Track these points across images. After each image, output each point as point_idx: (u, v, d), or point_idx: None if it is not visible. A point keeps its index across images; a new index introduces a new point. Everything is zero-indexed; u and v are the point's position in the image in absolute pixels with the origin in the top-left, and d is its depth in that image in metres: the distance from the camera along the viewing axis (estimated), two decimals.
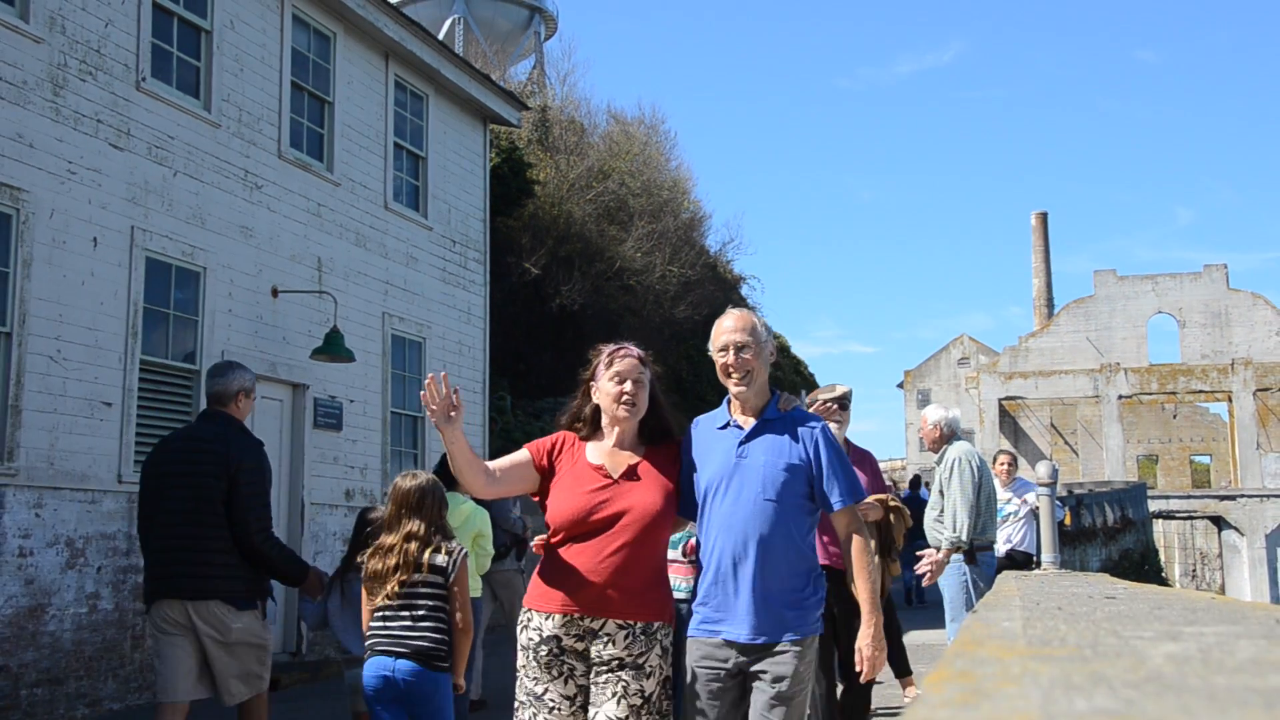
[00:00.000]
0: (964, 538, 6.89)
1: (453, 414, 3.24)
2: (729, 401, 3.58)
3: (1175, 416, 56.96)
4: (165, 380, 9.24)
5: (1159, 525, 44.35)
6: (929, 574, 7.03)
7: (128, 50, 9.04)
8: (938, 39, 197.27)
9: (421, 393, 3.27)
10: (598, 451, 3.47)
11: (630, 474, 3.40)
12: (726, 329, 3.53)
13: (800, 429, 3.48)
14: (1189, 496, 45.73)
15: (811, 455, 3.44)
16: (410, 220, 12.79)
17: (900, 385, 62.88)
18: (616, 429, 3.46)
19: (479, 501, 6.18)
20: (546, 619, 3.35)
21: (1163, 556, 42.64)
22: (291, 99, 10.98)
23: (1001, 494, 9.59)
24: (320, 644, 10.76)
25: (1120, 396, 47.92)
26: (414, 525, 4.29)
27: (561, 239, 20.24)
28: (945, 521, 6.97)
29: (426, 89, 13.15)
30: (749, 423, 3.50)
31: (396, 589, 4.21)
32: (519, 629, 3.47)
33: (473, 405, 13.72)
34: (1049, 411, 55.91)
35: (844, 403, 5.76)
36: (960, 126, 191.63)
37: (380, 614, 4.25)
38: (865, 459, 5.79)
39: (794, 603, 3.35)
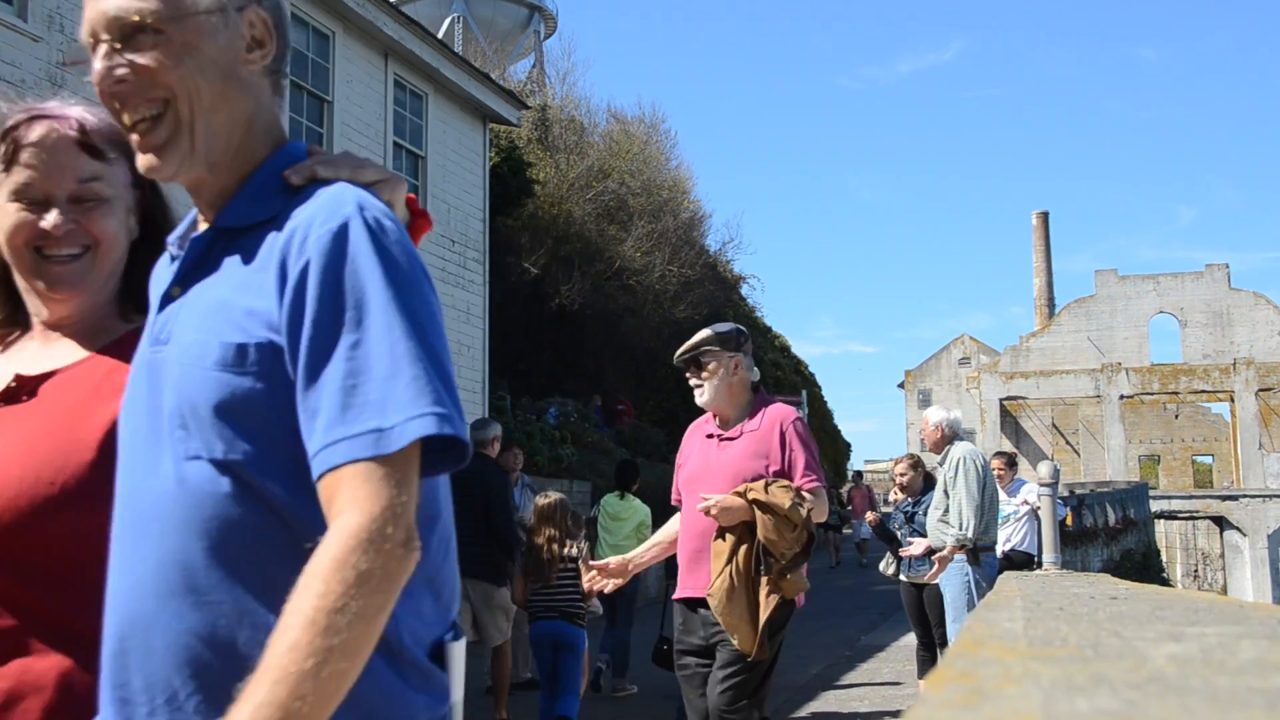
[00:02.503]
0: (970, 536, 6.89)
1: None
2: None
3: (1177, 416, 57.01)
4: None
5: (1161, 525, 44.36)
6: (933, 571, 7.07)
7: None
8: (938, 38, 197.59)
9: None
10: None
11: None
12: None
13: None
14: (1191, 497, 45.76)
15: None
16: None
17: (901, 385, 62.96)
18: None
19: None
20: None
21: (1165, 557, 42.66)
22: (290, 98, 10.97)
23: (1000, 496, 9.59)
24: None
25: (1122, 396, 47.95)
26: (551, 531, 6.21)
27: (561, 239, 20.25)
28: (952, 520, 6.97)
29: (426, 88, 13.14)
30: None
31: (553, 574, 6.17)
32: None
33: (473, 405, 13.71)
34: (1050, 411, 55.97)
35: (727, 343, 4.13)
36: (961, 126, 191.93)
37: (539, 590, 6.23)
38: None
39: None
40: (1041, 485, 7.61)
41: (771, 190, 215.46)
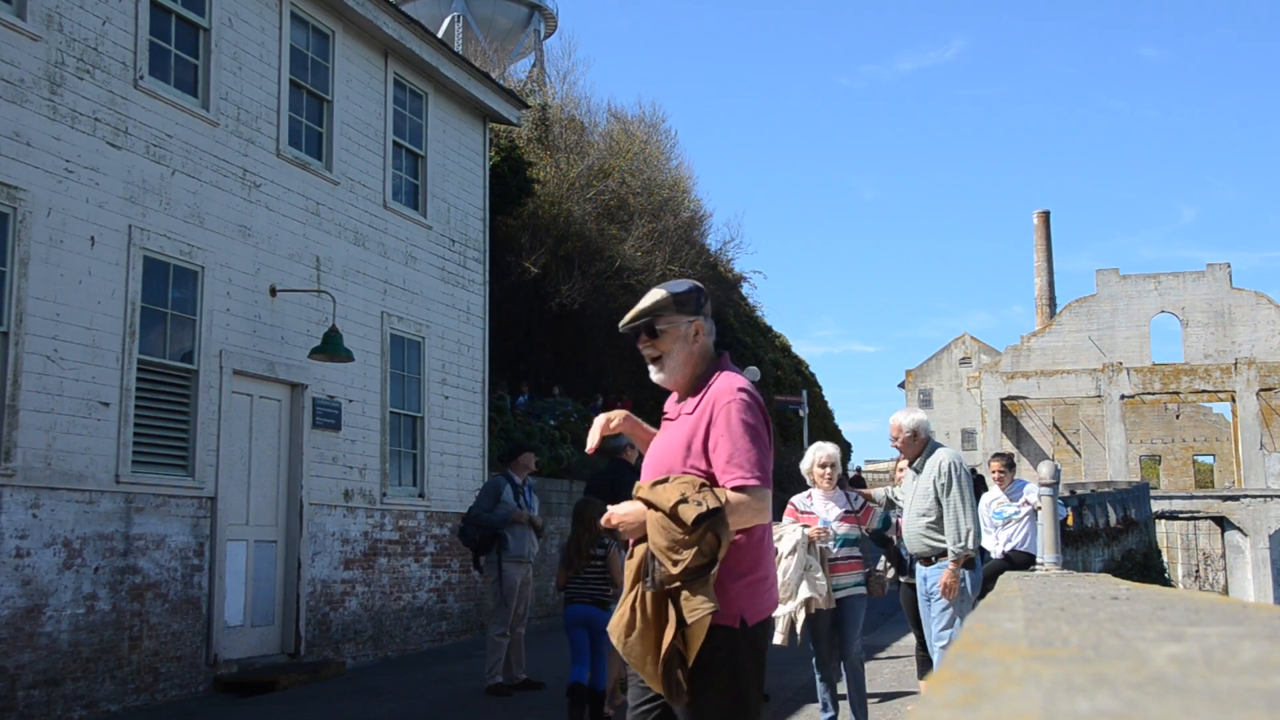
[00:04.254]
0: (972, 547, 6.50)
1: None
2: None
3: (1178, 416, 56.97)
4: (163, 380, 9.22)
5: (1162, 526, 44.36)
6: (944, 590, 6.52)
7: (125, 48, 9.03)
8: (940, 36, 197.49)
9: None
10: None
11: None
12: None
13: None
14: (1192, 497, 45.74)
15: None
16: (409, 219, 12.78)
17: (901, 385, 62.92)
18: None
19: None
20: None
21: (1166, 557, 42.63)
22: (290, 97, 10.96)
23: (999, 498, 9.58)
24: (319, 645, 10.74)
25: (1123, 396, 47.92)
26: (580, 529, 7.41)
27: (561, 238, 20.24)
28: (949, 532, 6.50)
29: (426, 87, 13.13)
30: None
31: (582, 564, 7.38)
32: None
33: (472, 405, 13.71)
34: (1051, 411, 55.93)
35: (685, 306, 3.39)
36: (962, 124, 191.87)
37: (573, 579, 7.41)
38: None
39: None
40: (1042, 485, 7.60)
41: (772, 190, 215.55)
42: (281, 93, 10.80)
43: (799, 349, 53.95)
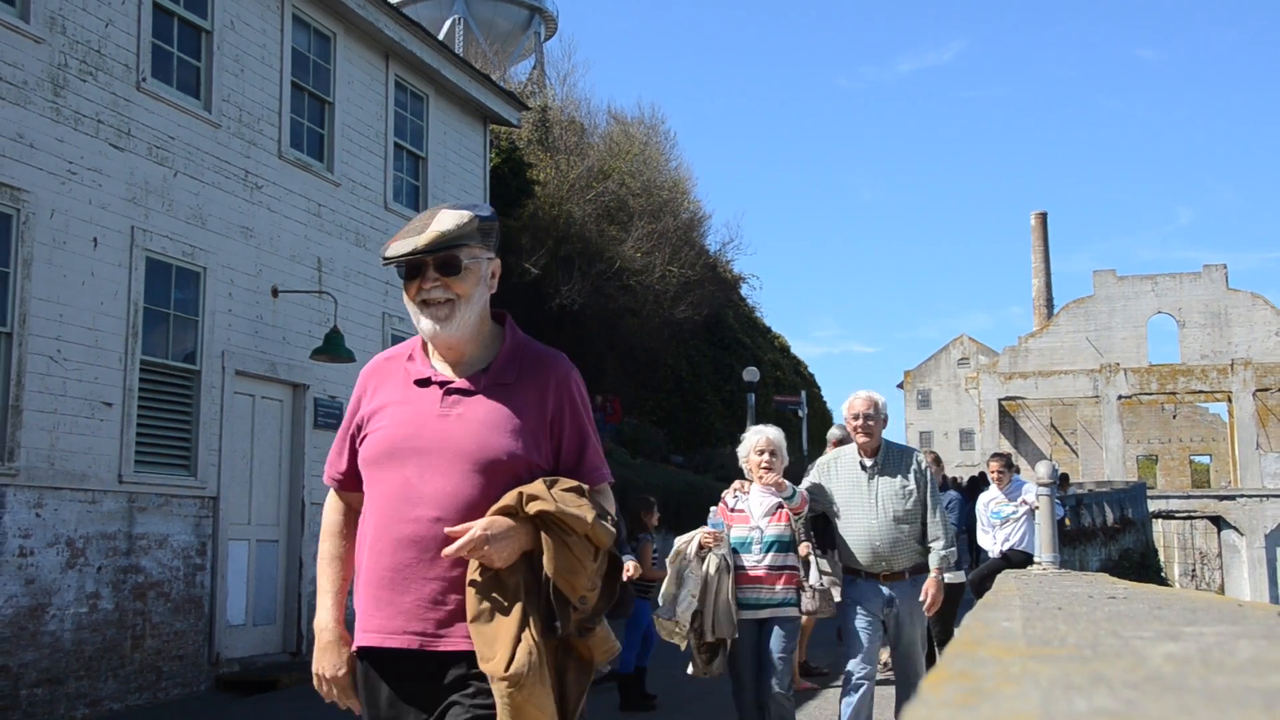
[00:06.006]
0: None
1: None
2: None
3: (1175, 417, 56.98)
4: (165, 380, 9.24)
5: (1159, 525, 44.37)
6: (930, 601, 5.62)
7: (128, 50, 9.05)
8: (939, 38, 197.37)
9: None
10: None
11: None
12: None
13: None
14: (1188, 496, 45.75)
15: None
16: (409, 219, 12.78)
17: (900, 385, 62.89)
18: None
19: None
20: None
21: (1162, 556, 42.65)
22: (292, 99, 10.98)
23: (997, 497, 9.61)
24: None
25: (1120, 396, 47.93)
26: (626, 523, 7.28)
27: (561, 239, 20.24)
28: (939, 538, 5.56)
29: (426, 89, 13.15)
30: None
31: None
32: None
33: None
34: (1049, 412, 55.93)
35: (490, 236, 2.72)
36: (961, 126, 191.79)
37: None
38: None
39: None
40: (1040, 485, 7.62)
41: (771, 190, 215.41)
42: (283, 94, 10.82)
43: (798, 349, 53.99)
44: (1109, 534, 30.27)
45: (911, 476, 5.57)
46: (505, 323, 2.60)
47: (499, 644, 2.27)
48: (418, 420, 2.46)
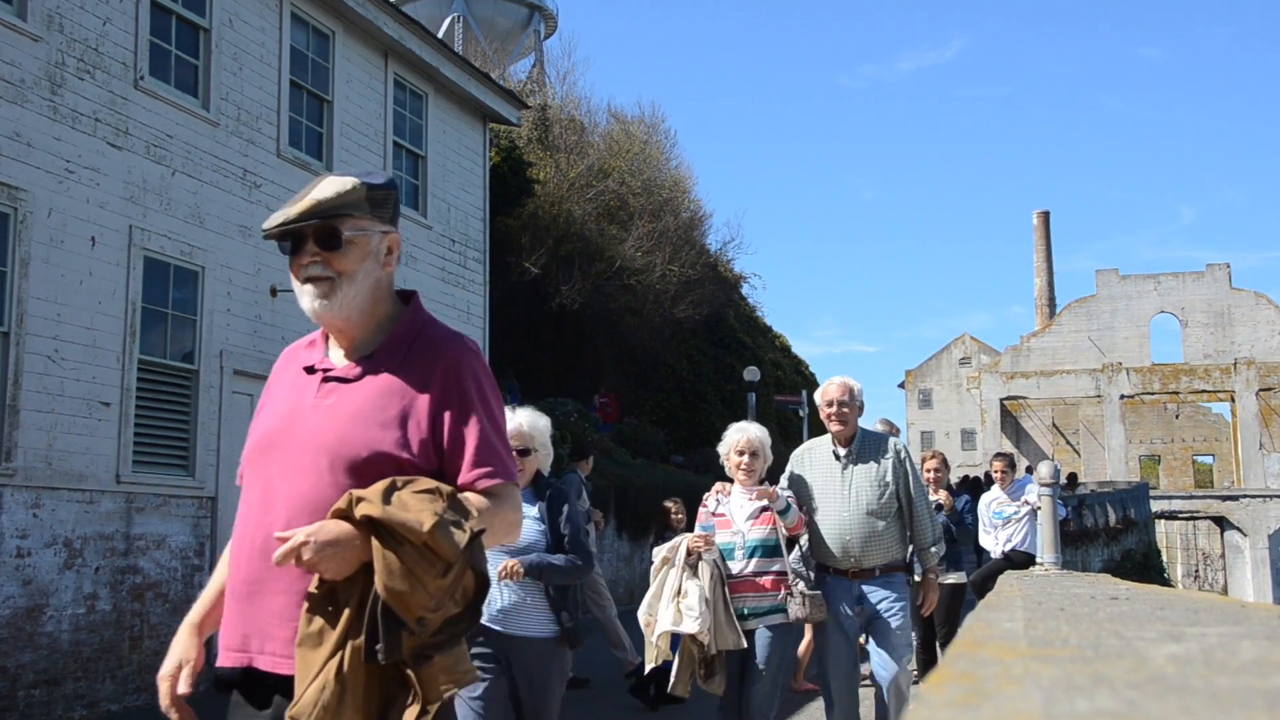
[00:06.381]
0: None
1: None
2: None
3: (1178, 416, 56.98)
4: (163, 380, 9.23)
5: (1161, 525, 44.35)
6: (926, 604, 5.47)
7: (126, 49, 9.03)
8: (940, 36, 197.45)
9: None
10: None
11: None
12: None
13: None
14: (1191, 497, 45.75)
15: None
16: (410, 219, 12.78)
17: (901, 385, 62.92)
18: None
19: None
20: None
21: (1165, 557, 42.64)
22: (290, 98, 10.97)
23: (999, 497, 9.59)
24: None
25: (1122, 396, 47.93)
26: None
27: (561, 238, 20.24)
28: (922, 534, 5.25)
29: (426, 88, 13.14)
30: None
31: None
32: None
33: None
34: (1051, 411, 55.93)
35: (382, 206, 2.46)
36: (962, 124, 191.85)
37: None
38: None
39: None
40: (1042, 485, 7.60)
41: (771, 190, 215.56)
42: (282, 93, 10.81)
43: (799, 349, 54.00)
44: (1111, 534, 30.27)
45: (888, 466, 5.19)
46: (412, 301, 2.33)
47: (309, 674, 1.97)
48: (291, 414, 2.20)
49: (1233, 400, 47.41)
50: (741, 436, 5.09)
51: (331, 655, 1.96)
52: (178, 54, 9.70)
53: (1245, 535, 43.30)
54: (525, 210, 19.49)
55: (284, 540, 1.97)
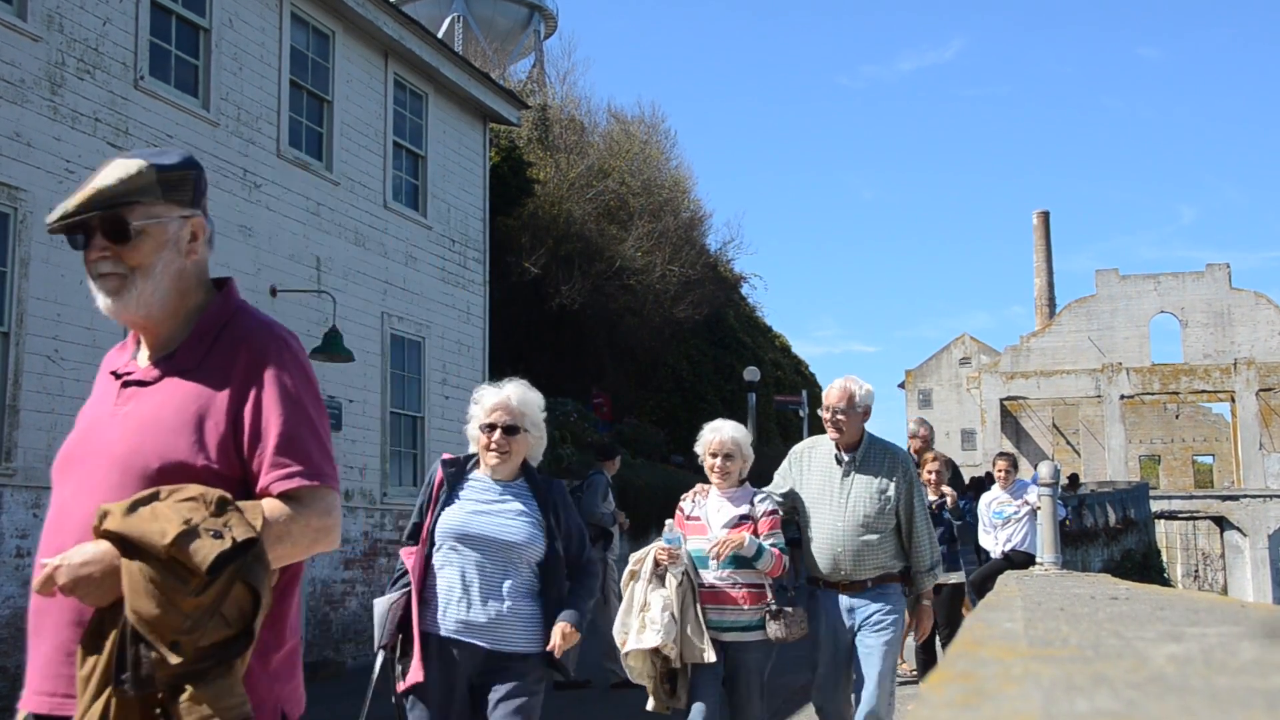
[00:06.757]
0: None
1: None
2: None
3: (1178, 416, 56.98)
4: None
5: (1161, 526, 44.35)
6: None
7: (126, 49, 9.03)
8: (939, 36, 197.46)
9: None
10: None
11: None
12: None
13: None
14: (1191, 497, 45.74)
15: None
16: (409, 219, 12.78)
17: (901, 385, 62.90)
18: None
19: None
20: None
21: (1165, 557, 42.63)
22: (290, 98, 10.97)
23: (1000, 497, 9.60)
24: (319, 645, 10.74)
25: (1122, 396, 47.92)
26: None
27: (561, 238, 20.24)
28: (921, 552, 4.85)
29: (426, 88, 13.14)
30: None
31: None
32: None
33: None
34: (1051, 411, 55.92)
35: (178, 190, 2.21)
36: (962, 124, 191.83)
37: None
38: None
39: None
40: (1043, 485, 7.60)
41: (771, 190, 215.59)
42: (282, 93, 10.81)
43: (799, 349, 54.03)
44: (1111, 534, 30.26)
45: (893, 480, 4.79)
46: (226, 291, 2.14)
47: (79, 709, 1.76)
48: (90, 425, 2.01)
49: (1233, 400, 47.40)
50: (715, 437, 4.68)
51: (96, 697, 1.75)
52: (178, 54, 9.70)
53: (1245, 535, 43.30)
54: (525, 210, 19.49)
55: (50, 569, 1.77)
